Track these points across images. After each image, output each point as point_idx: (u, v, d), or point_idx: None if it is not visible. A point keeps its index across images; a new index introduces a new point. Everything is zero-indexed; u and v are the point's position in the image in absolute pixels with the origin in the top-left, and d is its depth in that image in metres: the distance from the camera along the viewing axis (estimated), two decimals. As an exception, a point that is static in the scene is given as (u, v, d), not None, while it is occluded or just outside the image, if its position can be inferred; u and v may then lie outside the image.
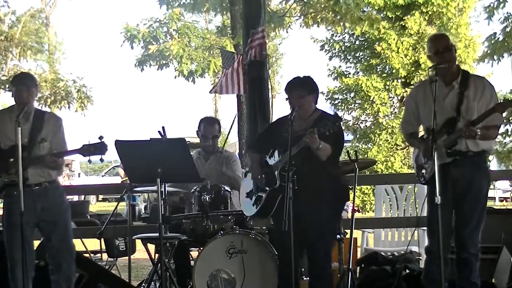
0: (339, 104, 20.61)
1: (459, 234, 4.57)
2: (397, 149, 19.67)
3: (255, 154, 4.93)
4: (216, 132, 5.83)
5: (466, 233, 4.54)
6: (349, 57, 20.90)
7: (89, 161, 4.95)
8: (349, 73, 20.94)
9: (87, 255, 6.98)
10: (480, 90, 4.53)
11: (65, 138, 5.15)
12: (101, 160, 4.93)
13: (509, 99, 4.34)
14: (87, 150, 4.82)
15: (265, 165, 4.78)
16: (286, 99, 4.66)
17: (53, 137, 5.00)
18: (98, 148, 4.78)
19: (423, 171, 4.64)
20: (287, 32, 21.92)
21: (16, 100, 4.96)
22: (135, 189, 5.91)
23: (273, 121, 4.94)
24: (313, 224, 4.55)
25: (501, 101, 4.41)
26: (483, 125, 4.36)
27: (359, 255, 6.43)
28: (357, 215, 6.48)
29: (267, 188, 4.72)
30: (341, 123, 4.52)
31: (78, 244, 7.06)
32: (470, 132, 4.33)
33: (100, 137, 4.78)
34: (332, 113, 4.68)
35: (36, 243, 5.38)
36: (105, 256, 7.33)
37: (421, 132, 4.84)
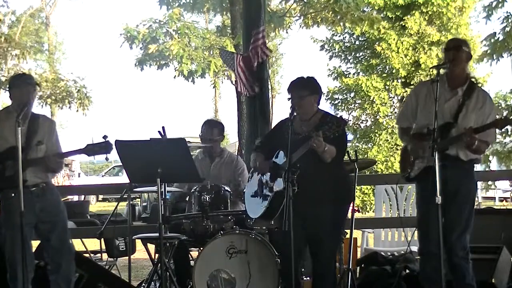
0: (339, 104, 20.61)
1: (447, 238, 4.54)
2: (397, 149, 19.63)
3: (259, 154, 4.92)
4: (215, 136, 5.78)
5: (453, 237, 4.52)
6: (349, 57, 20.90)
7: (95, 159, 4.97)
8: (349, 73, 20.94)
9: (87, 255, 6.98)
10: (480, 104, 4.53)
11: (59, 140, 5.15)
12: (107, 159, 4.95)
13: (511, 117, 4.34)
14: (92, 149, 4.83)
15: (272, 164, 4.78)
16: (288, 99, 4.66)
17: (48, 140, 5.01)
18: (104, 147, 4.80)
19: (409, 168, 4.66)
20: (287, 32, 21.94)
21: (17, 100, 4.89)
22: (135, 189, 5.90)
23: (276, 123, 4.92)
24: (318, 225, 4.55)
25: (503, 117, 4.39)
26: (479, 138, 4.37)
27: (359, 255, 6.43)
28: (357, 215, 6.48)
29: (271, 184, 4.71)
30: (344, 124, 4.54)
31: (78, 244, 7.08)
32: (472, 139, 4.33)
33: (105, 137, 4.78)
34: (332, 113, 4.68)
35: (35, 243, 5.38)
36: (105, 256, 7.33)
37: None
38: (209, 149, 5.80)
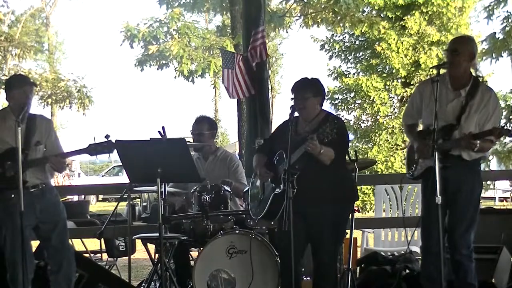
0: (339, 104, 20.61)
1: (450, 235, 4.55)
2: (397, 149, 19.66)
3: (261, 156, 4.92)
4: (203, 130, 5.71)
5: (457, 234, 4.52)
6: (349, 57, 20.90)
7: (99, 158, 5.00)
8: (349, 73, 20.94)
9: (87, 255, 6.98)
10: (484, 103, 4.49)
11: (58, 139, 5.14)
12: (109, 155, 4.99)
13: (509, 128, 4.32)
14: (94, 149, 4.84)
15: (273, 167, 4.77)
16: (291, 99, 4.67)
17: (47, 140, 5.01)
18: (106, 147, 4.82)
19: (413, 166, 4.65)
20: (287, 32, 21.97)
21: (17, 101, 4.87)
22: (135, 189, 5.90)
23: (280, 123, 4.92)
24: (318, 224, 4.55)
25: (501, 127, 4.36)
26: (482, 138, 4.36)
27: (359, 255, 6.43)
28: (357, 215, 6.47)
29: (274, 187, 4.72)
30: (341, 126, 4.52)
31: (78, 244, 7.09)
32: (471, 145, 4.32)
33: (107, 136, 4.80)
34: (334, 113, 4.68)
35: (35, 243, 5.38)
36: (105, 256, 7.33)
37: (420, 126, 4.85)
38: (202, 148, 5.77)
